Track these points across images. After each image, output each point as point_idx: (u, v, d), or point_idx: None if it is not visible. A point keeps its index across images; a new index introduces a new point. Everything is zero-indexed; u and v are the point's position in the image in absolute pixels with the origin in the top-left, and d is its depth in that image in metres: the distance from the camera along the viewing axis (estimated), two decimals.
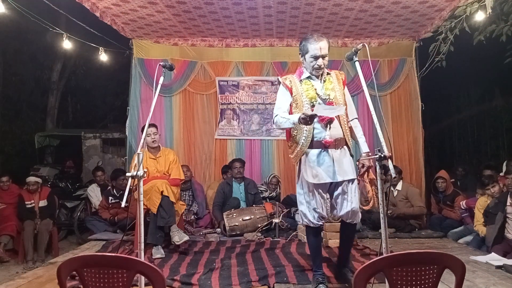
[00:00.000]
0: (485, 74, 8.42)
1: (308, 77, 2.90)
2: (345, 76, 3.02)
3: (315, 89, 2.85)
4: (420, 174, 5.90)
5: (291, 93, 2.89)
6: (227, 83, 6.07)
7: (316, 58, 2.78)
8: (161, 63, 2.63)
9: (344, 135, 2.85)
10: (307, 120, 2.52)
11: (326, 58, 2.81)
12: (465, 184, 5.92)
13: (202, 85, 6.08)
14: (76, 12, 5.05)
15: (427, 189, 5.89)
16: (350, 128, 2.92)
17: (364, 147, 2.87)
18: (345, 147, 2.87)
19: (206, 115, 6.09)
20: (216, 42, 6.00)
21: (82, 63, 11.13)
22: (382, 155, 2.19)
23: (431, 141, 8.68)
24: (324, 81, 2.89)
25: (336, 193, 2.87)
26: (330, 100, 2.81)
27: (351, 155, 2.90)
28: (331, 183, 2.84)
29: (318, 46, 2.75)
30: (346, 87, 2.98)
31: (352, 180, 2.84)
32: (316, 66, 2.80)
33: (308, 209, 2.86)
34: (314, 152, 2.82)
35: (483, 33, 4.98)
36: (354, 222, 2.89)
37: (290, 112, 2.88)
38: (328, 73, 2.93)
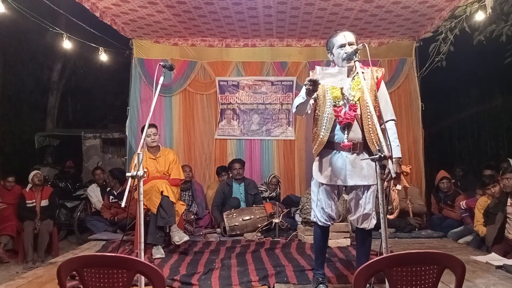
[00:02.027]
0: (485, 74, 8.41)
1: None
2: (383, 72, 2.81)
3: (341, 88, 2.73)
4: (420, 174, 5.89)
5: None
6: (227, 83, 6.06)
7: (342, 46, 2.71)
8: (161, 63, 2.62)
9: (365, 139, 2.69)
10: (310, 88, 2.43)
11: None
12: (465, 184, 5.92)
13: (202, 85, 6.08)
14: (76, 12, 5.04)
15: (427, 189, 5.89)
16: (383, 130, 2.54)
17: (395, 152, 2.61)
18: (364, 152, 2.70)
19: (206, 115, 6.09)
20: (216, 42, 6.00)
21: (82, 63, 11.14)
22: (382, 155, 2.18)
23: (431, 141, 8.66)
24: (354, 79, 2.73)
25: (350, 196, 2.83)
26: (355, 102, 2.69)
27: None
28: (345, 186, 2.78)
29: (342, 34, 2.73)
30: (383, 83, 2.77)
31: (368, 186, 2.73)
32: (344, 55, 2.67)
33: (317, 208, 2.85)
34: (328, 152, 2.77)
35: (483, 33, 4.98)
36: (366, 228, 2.80)
37: (314, 108, 2.81)
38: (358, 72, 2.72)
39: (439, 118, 9.56)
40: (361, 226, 2.80)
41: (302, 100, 2.64)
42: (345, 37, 2.72)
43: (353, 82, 2.74)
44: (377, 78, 2.76)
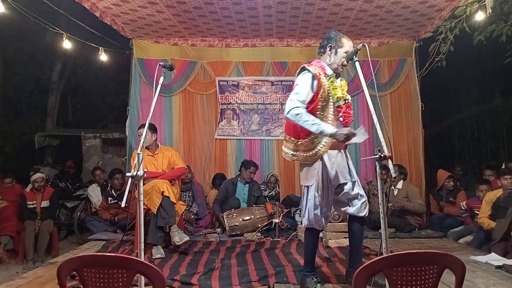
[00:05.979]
0: (485, 74, 8.42)
1: (332, 75, 2.79)
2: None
3: (342, 90, 2.81)
4: (420, 174, 5.90)
5: (319, 86, 2.69)
6: (227, 83, 6.06)
7: (347, 52, 2.75)
8: (161, 63, 2.62)
9: None
10: (346, 138, 2.55)
11: None
12: (464, 183, 5.93)
13: (202, 85, 6.08)
14: (76, 12, 5.05)
15: (427, 189, 5.90)
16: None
17: None
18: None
19: (206, 115, 6.09)
20: (216, 42, 6.00)
21: (82, 63, 11.12)
22: (382, 155, 2.18)
23: (431, 141, 8.67)
24: (341, 80, 2.89)
25: (345, 190, 2.81)
26: (349, 102, 2.81)
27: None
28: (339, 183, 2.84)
29: (351, 43, 2.80)
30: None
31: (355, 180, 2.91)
32: (345, 63, 2.78)
33: (321, 213, 2.80)
34: (333, 153, 2.79)
35: (483, 33, 4.97)
36: (366, 215, 2.90)
37: (316, 109, 2.72)
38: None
39: (439, 118, 9.56)
40: (361, 214, 2.86)
41: (316, 132, 2.61)
42: (351, 47, 2.79)
43: (342, 83, 2.85)
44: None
